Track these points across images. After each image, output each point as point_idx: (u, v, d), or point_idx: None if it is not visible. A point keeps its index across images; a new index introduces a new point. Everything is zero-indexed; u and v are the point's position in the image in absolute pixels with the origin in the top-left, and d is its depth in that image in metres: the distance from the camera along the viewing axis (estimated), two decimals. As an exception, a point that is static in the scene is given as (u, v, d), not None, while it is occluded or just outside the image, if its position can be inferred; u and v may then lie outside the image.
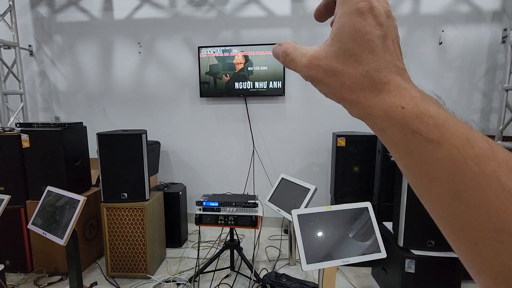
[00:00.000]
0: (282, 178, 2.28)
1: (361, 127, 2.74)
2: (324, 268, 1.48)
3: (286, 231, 2.87)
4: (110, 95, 3.07)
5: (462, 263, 0.20)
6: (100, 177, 2.04)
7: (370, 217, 1.52)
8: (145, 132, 2.04)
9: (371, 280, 2.13)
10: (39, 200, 1.89)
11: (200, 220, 1.94)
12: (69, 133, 2.12)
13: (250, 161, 2.94)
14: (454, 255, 1.67)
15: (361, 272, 2.22)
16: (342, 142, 2.18)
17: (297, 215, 1.44)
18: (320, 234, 1.44)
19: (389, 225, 2.01)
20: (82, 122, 2.29)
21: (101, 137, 1.99)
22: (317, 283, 2.01)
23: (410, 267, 1.68)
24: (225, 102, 2.93)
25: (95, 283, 2.04)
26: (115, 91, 3.06)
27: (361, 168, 2.21)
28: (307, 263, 1.36)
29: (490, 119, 2.63)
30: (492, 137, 2.56)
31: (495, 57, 2.58)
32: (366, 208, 1.55)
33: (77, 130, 2.22)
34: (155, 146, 2.76)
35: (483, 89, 2.62)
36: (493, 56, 2.57)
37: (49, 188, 1.91)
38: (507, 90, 2.33)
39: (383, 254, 1.44)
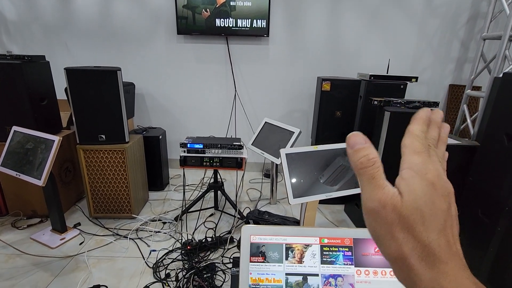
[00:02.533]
0: (265, 122, 2.28)
1: (344, 73, 2.74)
2: (307, 202, 1.59)
3: (266, 175, 2.99)
4: (72, 28, 2.70)
5: None
6: (73, 117, 1.89)
7: (352, 156, 1.60)
8: (119, 69, 1.87)
9: (343, 215, 2.35)
10: (5, 141, 1.74)
11: (184, 162, 1.94)
12: (31, 68, 1.88)
13: (232, 106, 2.88)
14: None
15: (335, 208, 2.44)
16: (326, 86, 2.18)
17: (286, 154, 1.47)
18: (306, 171, 1.51)
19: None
20: (44, 56, 2.03)
21: (71, 73, 1.79)
22: (297, 218, 2.18)
23: (381, 201, 1.86)
24: (205, 42, 2.72)
25: (79, 224, 2.04)
26: (78, 23, 2.69)
27: (343, 113, 2.27)
28: (293, 198, 1.44)
29: (463, 69, 2.74)
30: (463, 86, 2.71)
31: (478, 5, 2.58)
32: (349, 148, 1.62)
33: (40, 64, 1.98)
34: (129, 88, 2.57)
35: (462, 38, 2.67)
36: (477, 4, 2.58)
37: (15, 128, 1.75)
38: (484, 39, 2.39)
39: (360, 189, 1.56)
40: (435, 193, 0.23)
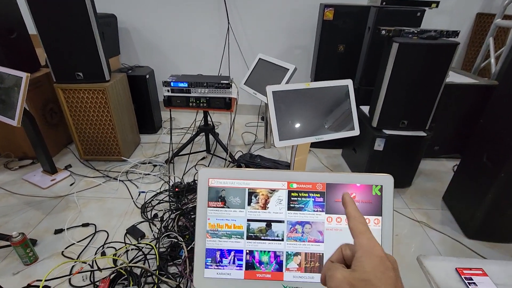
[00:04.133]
0: (259, 58, 2.06)
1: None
2: (297, 146, 1.48)
3: (263, 118, 2.86)
4: None
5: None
6: (45, 53, 1.72)
7: (349, 95, 1.43)
8: (88, -6, 1.62)
9: (340, 160, 2.27)
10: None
11: (169, 103, 1.81)
12: (-12, -6, 1.65)
13: (225, 42, 2.61)
14: (422, 134, 1.72)
15: (332, 153, 2.35)
16: (329, 15, 1.88)
17: (272, 91, 1.32)
18: (295, 111, 1.37)
19: (365, 108, 1.99)
20: (2, -20, 1.77)
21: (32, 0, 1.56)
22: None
23: (379, 145, 1.74)
24: (191, -37, 2.34)
25: (69, 166, 2.03)
26: None
27: (347, 47, 2.01)
28: (279, 140, 1.33)
29: (495, -5, 2.33)
30: (492, 16, 2.33)
31: None
32: (347, 86, 1.44)
33: (-1, -10, 1.73)
34: (110, 20, 2.32)
35: (501, -47, 2.20)
36: None
37: (-18, 64, 1.60)
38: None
39: (356, 132, 1.43)
40: (384, 265, 0.29)
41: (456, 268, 0.73)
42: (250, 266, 0.72)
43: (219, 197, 0.71)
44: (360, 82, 2.22)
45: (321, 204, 0.71)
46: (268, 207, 0.72)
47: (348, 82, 1.44)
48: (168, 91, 1.76)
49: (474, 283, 0.72)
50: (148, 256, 1.35)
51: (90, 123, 1.95)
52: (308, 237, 0.72)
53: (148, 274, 1.23)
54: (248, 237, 0.72)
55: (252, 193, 0.71)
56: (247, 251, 0.72)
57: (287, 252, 0.70)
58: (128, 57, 2.73)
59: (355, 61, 2.09)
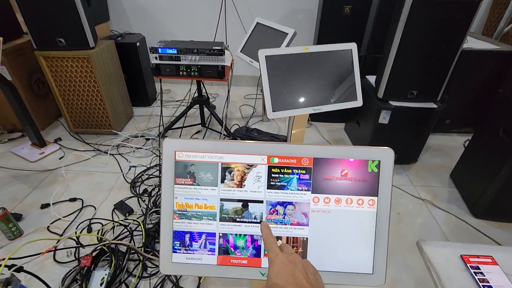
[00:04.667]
0: (257, 23, 1.88)
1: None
2: (294, 117, 1.36)
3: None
4: None
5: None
6: (22, 16, 1.58)
7: (352, 61, 1.28)
8: None
9: (342, 134, 2.15)
10: None
11: (158, 71, 1.67)
12: None
13: (221, 6, 2.40)
14: (433, 106, 1.57)
15: (334, 127, 2.22)
16: (334, -30, 1.67)
17: (265, 56, 1.17)
18: (291, 79, 1.23)
19: (372, 79, 1.83)
20: None
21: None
22: (288, 136, 2.00)
23: (384, 118, 1.60)
24: None
25: (59, 139, 1.96)
26: None
27: (353, 8, 1.80)
28: (273, 111, 1.21)
29: None
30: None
31: None
32: (350, 51, 1.29)
33: None
34: (95, -18, 2.13)
35: None
36: None
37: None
38: None
39: (359, 103, 1.30)
40: (288, 269, 0.35)
41: (461, 256, 0.63)
42: (224, 251, 0.64)
43: (187, 173, 0.62)
44: (368, 49, 2.03)
45: (307, 182, 0.61)
46: (244, 185, 0.62)
47: (352, 46, 1.28)
48: (156, 58, 1.63)
49: (481, 272, 0.63)
50: (135, 233, 1.30)
51: (77, 93, 1.85)
52: (291, 219, 0.62)
53: (133, 251, 1.18)
54: (222, 219, 0.63)
55: (226, 169, 0.61)
56: (220, 234, 0.63)
57: (266, 236, 0.61)
58: (119, 23, 2.55)
59: (363, 24, 1.90)
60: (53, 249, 1.20)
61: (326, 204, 0.59)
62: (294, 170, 0.60)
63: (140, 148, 1.89)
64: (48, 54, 1.69)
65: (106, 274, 0.73)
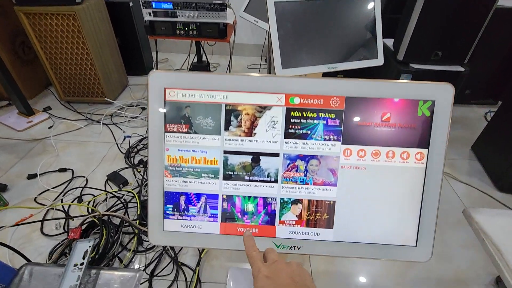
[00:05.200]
0: (262, -23, 1.67)
1: None
2: (305, 76, 1.21)
3: (267, 60, 2.53)
4: None
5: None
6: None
7: (374, 12, 1.11)
8: None
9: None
10: None
11: (152, 30, 1.51)
12: None
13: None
14: (459, 69, 1.42)
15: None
16: None
17: (274, 2, 1.01)
18: (303, 31, 1.07)
19: (389, 42, 1.65)
20: None
21: None
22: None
23: (403, 83, 1.45)
24: None
25: (49, 108, 1.82)
26: None
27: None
28: (282, 68, 1.06)
29: None
30: None
31: None
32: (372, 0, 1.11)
33: None
34: None
35: None
36: None
37: None
38: None
39: (379, 61, 1.14)
40: (271, 283, 0.34)
41: (522, 225, 0.52)
42: (228, 217, 0.52)
43: (181, 118, 0.48)
44: (385, 9, 1.84)
45: (336, 130, 0.47)
46: (255, 133, 0.49)
47: (374, -6, 1.11)
48: (149, 14, 1.46)
49: (546, 245, 0.51)
50: (130, 205, 1.19)
51: (65, 57, 1.69)
52: (315, 177, 0.50)
53: (126, 223, 1.08)
54: (226, 177, 0.50)
55: (231, 112, 0.48)
56: (224, 196, 0.51)
57: (282, 198, 0.49)
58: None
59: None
60: (25, 220, 1.09)
61: (360, 158, 0.46)
62: (320, 114, 0.47)
63: (136, 117, 1.75)
64: (30, 10, 1.52)
65: (89, 246, 0.62)
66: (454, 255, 1.07)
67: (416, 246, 0.47)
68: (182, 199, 0.48)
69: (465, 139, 1.64)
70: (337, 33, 1.10)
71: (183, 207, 0.49)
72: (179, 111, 0.46)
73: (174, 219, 0.50)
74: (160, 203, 0.49)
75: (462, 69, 1.40)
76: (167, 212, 0.49)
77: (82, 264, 0.61)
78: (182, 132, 0.46)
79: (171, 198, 0.49)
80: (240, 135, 0.46)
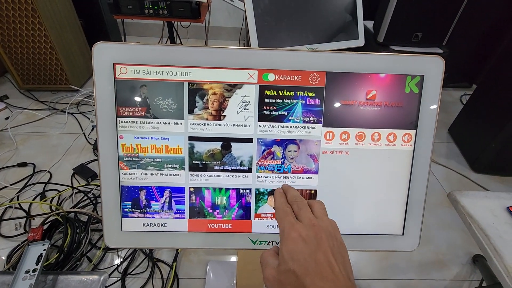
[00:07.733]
0: (237, -47, 1.57)
1: None
2: (283, 61, 1.16)
3: (245, 44, 2.44)
4: None
5: None
6: None
7: (355, -10, 1.06)
8: None
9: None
10: None
11: (117, 9, 1.37)
12: None
13: None
14: (438, 51, 1.41)
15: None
16: None
17: (249, -24, 0.93)
18: (282, 10, 1.00)
19: (369, 23, 1.62)
20: None
21: None
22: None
23: (384, 66, 1.43)
24: None
25: (5, 96, 1.65)
26: None
27: None
28: (259, 47, 0.99)
29: None
30: None
31: None
32: (352, -23, 1.06)
33: None
34: None
35: None
36: None
37: None
38: None
39: (360, 42, 1.11)
40: (307, 248, 0.24)
41: (508, 207, 0.50)
42: (197, 212, 0.46)
43: (137, 99, 0.42)
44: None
45: (317, 110, 0.42)
46: (224, 116, 0.43)
47: (355, -30, 1.05)
48: (113, -10, 1.32)
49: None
50: (99, 199, 1.10)
51: (20, 39, 1.52)
52: (293, 165, 0.45)
53: (94, 220, 1.00)
54: (192, 167, 0.44)
55: (196, 91, 0.41)
56: (192, 189, 0.45)
57: (257, 189, 0.43)
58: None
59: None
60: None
61: (343, 142, 0.41)
62: (298, 93, 0.41)
63: (105, 106, 1.63)
64: (-27, -15, 1.34)
65: (44, 250, 0.54)
66: (434, 237, 1.08)
67: (402, 235, 0.44)
68: (142, 194, 0.42)
69: (442, 122, 1.66)
70: (317, 12, 1.04)
71: (144, 203, 0.43)
72: (133, 92, 0.39)
73: (134, 217, 0.43)
74: (116, 200, 0.42)
75: (440, 51, 1.40)
76: (125, 209, 0.43)
77: (35, 270, 0.54)
78: (138, 117, 0.40)
79: (129, 193, 0.42)
80: (207, 119, 0.40)
